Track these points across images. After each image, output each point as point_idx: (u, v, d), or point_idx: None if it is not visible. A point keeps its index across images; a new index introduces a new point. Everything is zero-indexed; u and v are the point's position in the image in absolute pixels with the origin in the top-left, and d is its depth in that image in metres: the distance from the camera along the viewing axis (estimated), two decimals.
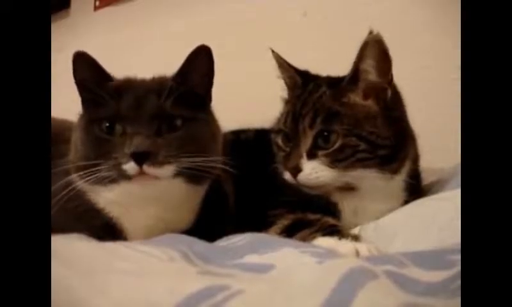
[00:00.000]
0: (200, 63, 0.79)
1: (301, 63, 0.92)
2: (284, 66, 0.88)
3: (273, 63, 0.89)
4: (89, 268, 0.44)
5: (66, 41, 1.69)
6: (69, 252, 0.46)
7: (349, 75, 0.81)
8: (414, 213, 0.73)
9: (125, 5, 1.84)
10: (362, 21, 1.26)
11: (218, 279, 0.43)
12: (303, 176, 0.78)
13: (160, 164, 0.70)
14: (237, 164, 0.78)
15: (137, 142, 0.69)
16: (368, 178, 0.79)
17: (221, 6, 1.57)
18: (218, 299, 0.38)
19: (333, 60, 0.88)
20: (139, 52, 1.68)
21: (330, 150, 0.77)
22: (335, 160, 0.77)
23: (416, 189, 0.85)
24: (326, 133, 0.78)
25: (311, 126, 0.79)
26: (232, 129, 1.01)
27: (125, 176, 0.70)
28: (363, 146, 0.77)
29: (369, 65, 0.79)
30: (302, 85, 0.87)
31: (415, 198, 0.81)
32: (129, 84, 0.78)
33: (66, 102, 0.78)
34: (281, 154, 0.83)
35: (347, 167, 0.78)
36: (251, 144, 0.99)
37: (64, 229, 0.60)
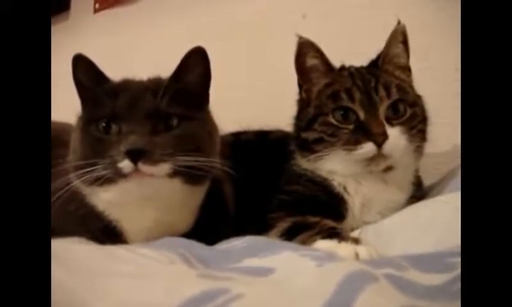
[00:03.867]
0: (195, 64, 0.80)
1: None
2: (319, 50, 0.87)
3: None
4: (89, 271, 0.44)
5: (66, 43, 1.69)
6: (69, 256, 0.46)
7: (381, 57, 0.86)
8: (413, 216, 0.73)
9: (125, 8, 1.84)
10: (361, 23, 1.28)
11: (218, 282, 0.43)
12: (389, 143, 0.77)
13: (156, 162, 0.70)
14: (238, 165, 0.78)
15: (132, 141, 0.70)
16: (410, 154, 0.82)
17: (220, 8, 1.57)
18: (218, 302, 0.38)
19: (332, 61, 0.88)
20: (139, 54, 1.68)
21: (404, 118, 0.80)
22: (409, 128, 0.80)
23: (419, 187, 0.87)
24: (392, 105, 0.80)
25: (388, 96, 0.80)
26: (232, 131, 1.01)
27: (121, 175, 0.70)
28: (421, 117, 0.82)
29: (399, 48, 0.86)
30: (339, 69, 0.88)
31: (420, 193, 0.84)
32: (126, 85, 0.79)
33: (65, 104, 0.78)
34: (344, 131, 0.81)
35: (415, 136, 0.81)
36: (251, 146, 0.99)
37: (65, 233, 0.60)
